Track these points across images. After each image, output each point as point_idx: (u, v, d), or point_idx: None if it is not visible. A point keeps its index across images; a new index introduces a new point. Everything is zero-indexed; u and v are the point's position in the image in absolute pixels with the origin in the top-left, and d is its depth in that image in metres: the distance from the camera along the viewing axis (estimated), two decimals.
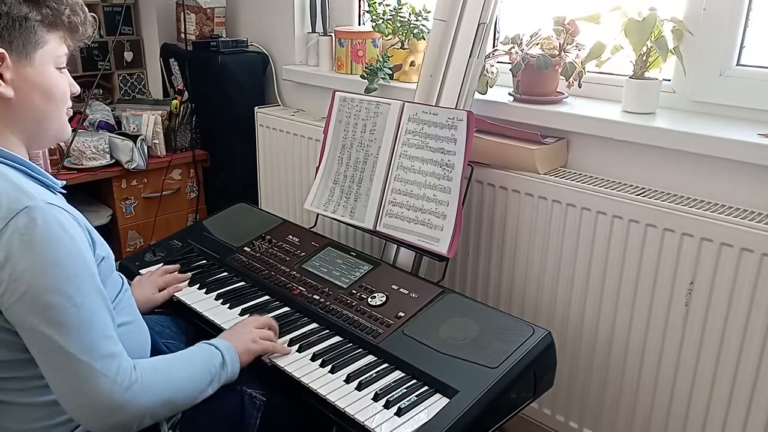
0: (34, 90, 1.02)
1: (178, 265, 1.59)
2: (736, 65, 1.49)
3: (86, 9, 1.09)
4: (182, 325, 1.46)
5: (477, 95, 1.71)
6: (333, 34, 2.19)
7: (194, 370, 1.11)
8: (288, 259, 1.60)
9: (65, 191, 1.10)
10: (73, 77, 1.10)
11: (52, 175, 1.09)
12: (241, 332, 1.26)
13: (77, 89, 1.11)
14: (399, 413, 1.11)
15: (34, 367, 0.97)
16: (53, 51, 1.03)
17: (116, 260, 1.38)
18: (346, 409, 1.13)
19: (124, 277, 1.21)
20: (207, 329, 1.41)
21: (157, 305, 1.48)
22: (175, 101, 2.52)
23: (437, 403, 1.14)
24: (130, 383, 0.98)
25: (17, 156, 1.02)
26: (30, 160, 1.05)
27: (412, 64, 1.97)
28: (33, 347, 0.96)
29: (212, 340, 1.20)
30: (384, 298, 1.40)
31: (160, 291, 1.50)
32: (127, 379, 0.98)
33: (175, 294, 1.50)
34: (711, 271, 1.35)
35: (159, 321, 1.43)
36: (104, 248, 1.10)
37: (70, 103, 1.10)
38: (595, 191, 1.51)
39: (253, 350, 1.22)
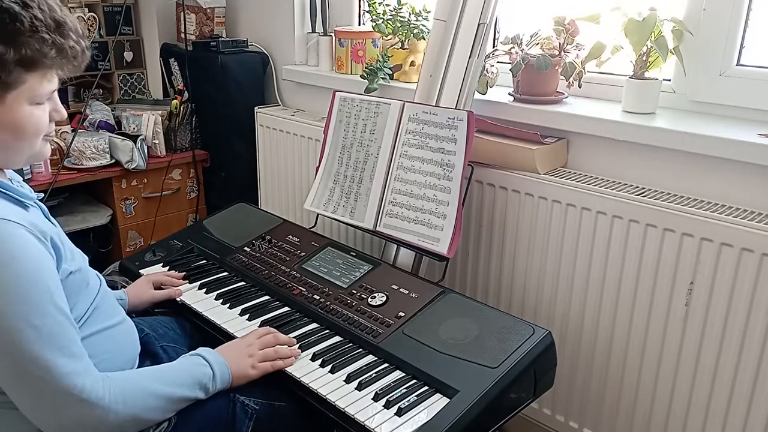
0: (1, 128, 0.97)
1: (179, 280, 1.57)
2: (736, 65, 1.49)
3: (79, 46, 1.00)
4: (187, 328, 1.45)
5: (477, 95, 1.71)
6: (333, 34, 2.19)
7: (174, 388, 1.06)
8: (288, 259, 1.60)
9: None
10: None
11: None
12: (242, 351, 1.20)
13: (62, 116, 1.06)
14: (399, 413, 1.11)
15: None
16: (30, 90, 0.97)
17: (116, 260, 1.38)
18: (346, 409, 1.13)
19: (102, 278, 1.18)
20: (207, 329, 1.42)
21: (153, 301, 1.48)
22: (175, 101, 2.52)
23: (437, 403, 1.14)
24: (95, 400, 0.95)
25: None
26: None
27: (412, 64, 1.97)
28: None
29: (206, 354, 1.15)
30: (384, 298, 1.40)
31: (156, 288, 1.50)
32: (93, 396, 0.95)
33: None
34: (711, 271, 1.35)
35: (163, 322, 1.42)
36: (75, 262, 1.07)
37: (50, 129, 1.05)
38: (595, 191, 1.51)
39: (250, 376, 1.18)
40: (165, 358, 1.28)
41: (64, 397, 0.93)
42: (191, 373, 1.11)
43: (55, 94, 1.04)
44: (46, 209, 1.12)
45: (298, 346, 1.29)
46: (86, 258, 1.14)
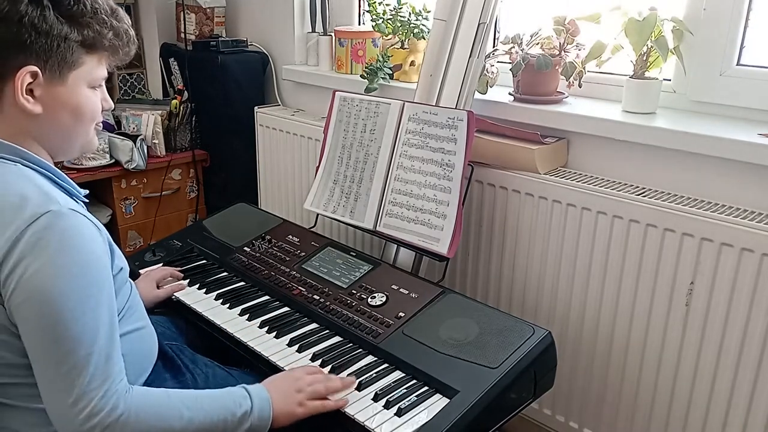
0: (63, 109, 1.01)
1: (178, 272, 1.58)
2: (736, 65, 1.49)
3: (131, 31, 1.08)
4: (182, 326, 1.45)
5: (477, 95, 1.71)
6: (333, 34, 2.18)
7: (199, 415, 1.02)
8: (288, 259, 1.60)
9: (87, 201, 1.09)
10: None
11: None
12: (290, 387, 1.13)
13: (111, 105, 1.10)
14: (399, 413, 1.11)
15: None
16: (89, 72, 1.02)
17: None
18: (346, 409, 1.13)
19: (132, 283, 1.19)
20: (207, 329, 1.41)
21: (159, 301, 1.48)
22: (174, 101, 2.52)
23: (437, 403, 1.14)
24: (111, 408, 0.94)
25: (44, 162, 1.02)
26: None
27: (412, 63, 1.97)
28: (30, 351, 0.94)
29: (252, 388, 1.10)
30: (384, 298, 1.40)
31: (158, 286, 1.51)
32: (110, 403, 0.94)
33: (175, 293, 1.50)
34: (711, 271, 1.35)
35: (159, 322, 1.42)
36: (122, 260, 1.09)
37: (100, 118, 1.09)
38: (596, 191, 1.51)
39: (296, 415, 1.11)
40: (174, 357, 1.27)
41: (80, 396, 0.93)
42: (225, 403, 1.05)
43: (104, 83, 1.08)
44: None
45: (298, 345, 1.29)
46: None
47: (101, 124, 1.13)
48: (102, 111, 1.08)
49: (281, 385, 1.13)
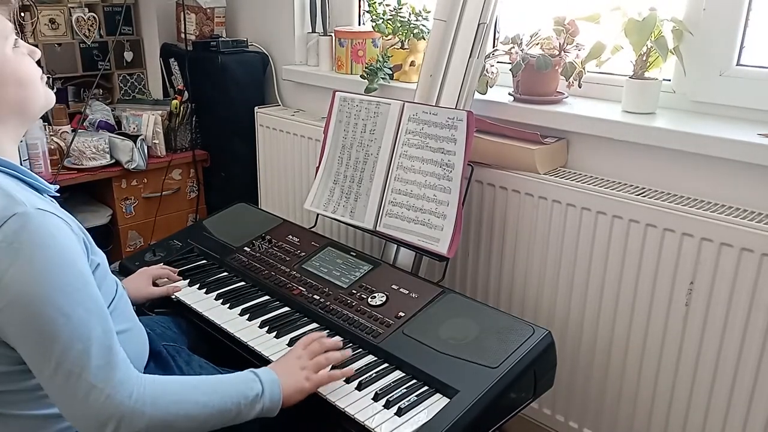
0: (6, 84, 0.99)
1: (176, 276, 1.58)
2: (736, 65, 1.49)
3: None
4: (183, 326, 1.45)
5: (477, 95, 1.71)
6: (333, 34, 2.19)
7: (214, 399, 1.01)
8: (288, 259, 1.60)
9: (59, 194, 1.08)
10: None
11: (49, 180, 1.06)
12: (293, 365, 1.14)
13: (37, 52, 1.07)
14: (399, 413, 1.11)
15: (29, 379, 0.95)
16: (2, 31, 0.98)
17: (116, 260, 1.37)
18: (346, 409, 1.13)
19: (118, 282, 1.18)
20: (207, 329, 1.42)
21: (152, 297, 1.48)
22: (175, 101, 2.52)
23: (437, 403, 1.14)
24: (125, 397, 0.93)
25: (6, 160, 0.99)
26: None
27: (412, 64, 1.97)
28: (26, 358, 0.93)
29: (260, 371, 1.10)
30: (384, 298, 1.40)
31: (154, 283, 1.50)
32: (123, 392, 0.93)
33: (175, 294, 1.50)
34: (711, 271, 1.35)
35: (160, 322, 1.42)
36: (98, 254, 1.07)
37: (40, 71, 1.05)
38: (595, 191, 1.51)
39: (305, 390, 1.12)
40: (168, 358, 1.28)
41: (91, 390, 0.91)
42: (237, 387, 1.05)
43: (17, 38, 1.04)
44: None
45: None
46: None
47: (44, 76, 1.08)
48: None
49: (284, 366, 1.14)
